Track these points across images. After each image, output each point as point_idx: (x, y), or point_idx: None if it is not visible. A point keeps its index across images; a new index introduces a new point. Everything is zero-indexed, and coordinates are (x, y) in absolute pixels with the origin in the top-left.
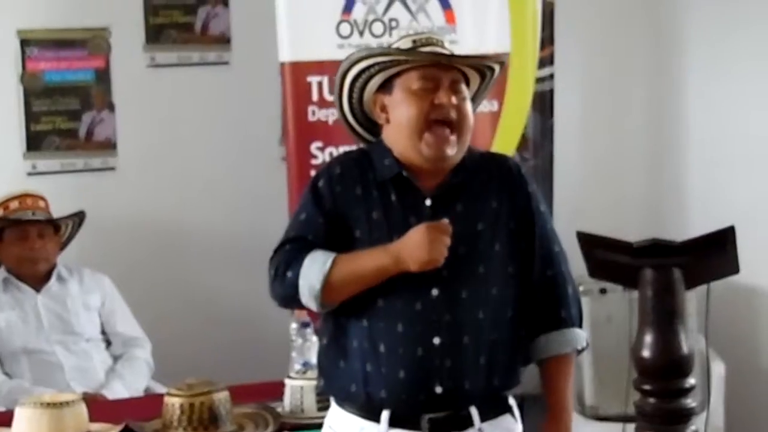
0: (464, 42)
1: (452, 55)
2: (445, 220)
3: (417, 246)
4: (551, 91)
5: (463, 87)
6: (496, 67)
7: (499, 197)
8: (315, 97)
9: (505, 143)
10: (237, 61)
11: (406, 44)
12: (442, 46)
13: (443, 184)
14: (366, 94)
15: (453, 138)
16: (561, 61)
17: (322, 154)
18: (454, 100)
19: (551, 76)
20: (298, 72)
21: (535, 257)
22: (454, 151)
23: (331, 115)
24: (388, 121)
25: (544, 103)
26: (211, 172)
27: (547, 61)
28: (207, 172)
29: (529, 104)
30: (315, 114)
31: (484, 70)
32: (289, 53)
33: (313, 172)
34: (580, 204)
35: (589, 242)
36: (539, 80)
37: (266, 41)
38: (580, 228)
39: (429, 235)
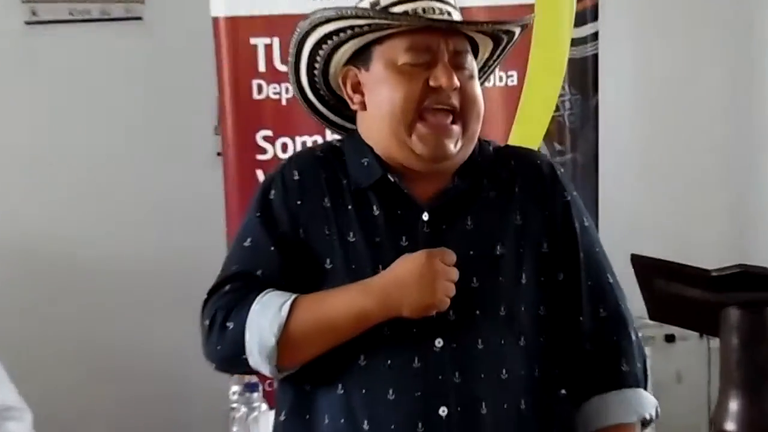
0: None
1: (454, 22)
2: (449, 252)
3: (413, 283)
4: (595, 58)
5: (470, 59)
6: (516, 30)
7: (524, 209)
8: (262, 66)
9: (528, 131)
10: (153, 16)
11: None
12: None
13: (445, 191)
14: (333, 67)
15: (456, 129)
16: (609, 16)
17: (272, 147)
18: (456, 79)
19: (594, 37)
20: (238, 31)
21: (581, 292)
22: (458, 148)
23: (285, 92)
24: (364, 106)
25: (584, 75)
26: (115, 172)
27: (588, 15)
28: (109, 172)
29: (563, 76)
30: (262, 90)
31: (500, 34)
32: (224, 5)
33: (260, 174)
34: (634, 215)
35: (648, 269)
36: (577, 42)
37: None
38: (635, 249)
39: (430, 267)
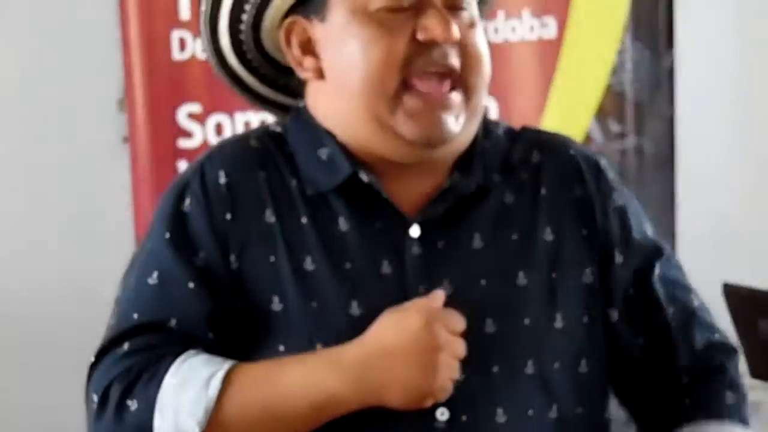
0: None
1: None
2: (455, 316)
3: (403, 359)
4: (669, 5)
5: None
6: None
7: (556, 220)
8: (185, 11)
9: (571, 105)
10: None
11: None
12: None
13: (442, 193)
14: (268, 19)
15: (457, 98)
16: None
17: (201, 129)
18: (455, 28)
19: None
20: None
21: (666, 332)
22: (460, 125)
23: None
24: (320, 73)
25: (653, 22)
26: None
27: None
28: None
29: (623, 24)
30: (186, 47)
31: None
32: None
33: (183, 167)
34: (726, 227)
35: (747, 305)
36: None
37: None
38: (727, 275)
39: (429, 338)
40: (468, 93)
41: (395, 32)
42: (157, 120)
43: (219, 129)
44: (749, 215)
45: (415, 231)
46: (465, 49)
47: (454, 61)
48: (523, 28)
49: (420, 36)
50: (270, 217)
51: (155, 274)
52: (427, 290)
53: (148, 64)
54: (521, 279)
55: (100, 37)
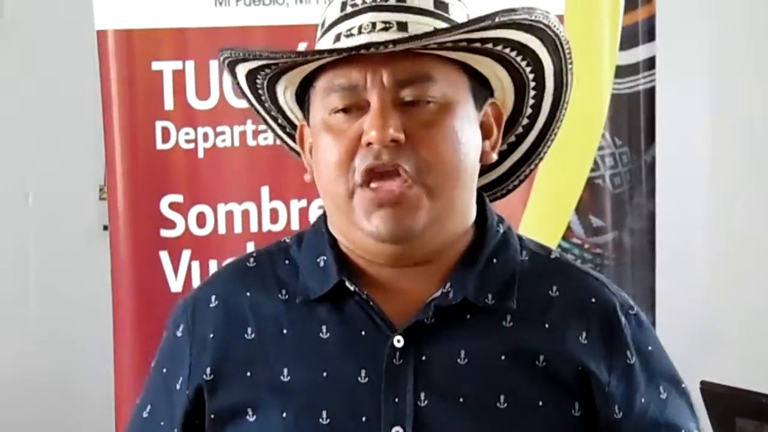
0: None
1: (396, 40)
2: None
3: None
4: (650, 95)
5: (438, 88)
6: (532, 45)
7: (554, 352)
8: (169, 102)
9: (551, 199)
10: (10, 29)
11: (331, 14)
12: (396, 7)
13: (429, 303)
14: (282, 105)
15: (413, 192)
16: (671, 34)
17: (183, 219)
18: (393, 129)
19: (650, 64)
20: (136, 51)
21: None
22: (421, 223)
23: (203, 140)
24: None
25: (634, 119)
26: None
27: (641, 32)
28: None
29: (604, 120)
30: (170, 136)
31: (507, 54)
32: (113, 13)
33: (166, 258)
34: (706, 322)
35: (726, 403)
36: (625, 71)
37: None
38: (706, 372)
39: None
40: (430, 192)
41: (344, 135)
42: (139, 209)
43: (201, 219)
44: (729, 312)
45: (397, 341)
46: (418, 145)
47: (400, 159)
48: None
49: (362, 138)
50: (251, 334)
51: (148, 408)
52: (400, 402)
53: (130, 154)
54: (502, 402)
55: (84, 125)
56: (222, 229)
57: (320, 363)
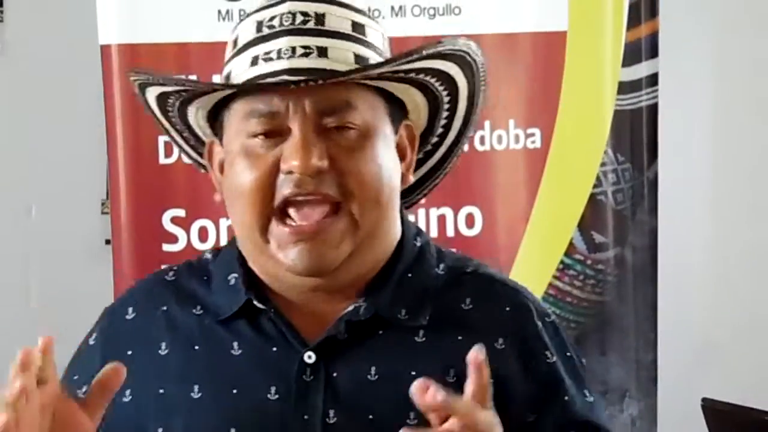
0: (473, 12)
1: (287, 82)
2: None
3: None
4: (653, 111)
5: (359, 115)
6: (455, 75)
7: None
8: None
9: (554, 215)
10: (15, 41)
11: (246, 35)
12: (314, 30)
13: (340, 319)
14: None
15: (338, 224)
16: (674, 49)
17: (185, 234)
18: (319, 156)
19: (653, 81)
20: (139, 65)
21: None
22: (342, 254)
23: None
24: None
25: (637, 135)
26: None
27: (644, 48)
28: None
29: (606, 137)
30: (172, 152)
31: (427, 81)
32: (117, 28)
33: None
34: (708, 340)
35: (726, 421)
36: (627, 88)
37: (74, 5)
38: (707, 390)
39: None
40: (353, 222)
41: (262, 161)
42: (141, 223)
43: (202, 234)
44: (731, 329)
45: (309, 356)
46: (342, 172)
47: (326, 188)
48: (509, 138)
49: (282, 166)
50: (165, 349)
51: None
52: (309, 419)
53: (133, 168)
54: (412, 418)
55: (86, 140)
56: (224, 243)
57: (231, 380)
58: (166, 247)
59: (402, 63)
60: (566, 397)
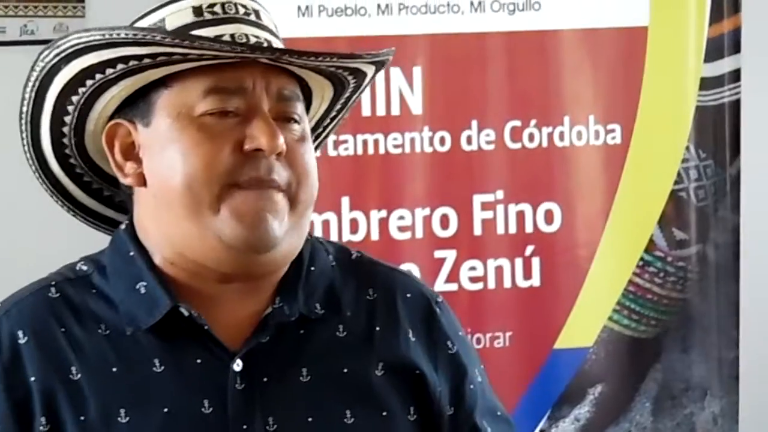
0: (553, 8)
1: (282, 51)
2: None
3: None
4: (735, 107)
5: (301, 109)
6: (369, 72)
7: (389, 357)
8: None
9: (635, 211)
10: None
11: (179, 18)
12: (257, 23)
13: (263, 322)
14: (92, 121)
15: (282, 203)
16: (758, 45)
17: None
18: (281, 140)
19: (735, 77)
20: None
21: None
22: (282, 231)
23: None
24: (141, 180)
25: (719, 132)
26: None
27: (726, 44)
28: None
29: (688, 133)
30: None
31: (343, 78)
32: None
33: None
34: None
35: None
36: (709, 84)
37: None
38: None
39: None
40: (293, 204)
41: (220, 139)
42: None
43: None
44: None
45: (237, 365)
46: (292, 162)
47: (280, 175)
48: (589, 134)
49: (246, 145)
50: (76, 374)
51: None
52: (248, 429)
53: None
54: (349, 417)
55: None
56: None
57: (159, 399)
58: None
59: (358, 60)
60: (471, 386)
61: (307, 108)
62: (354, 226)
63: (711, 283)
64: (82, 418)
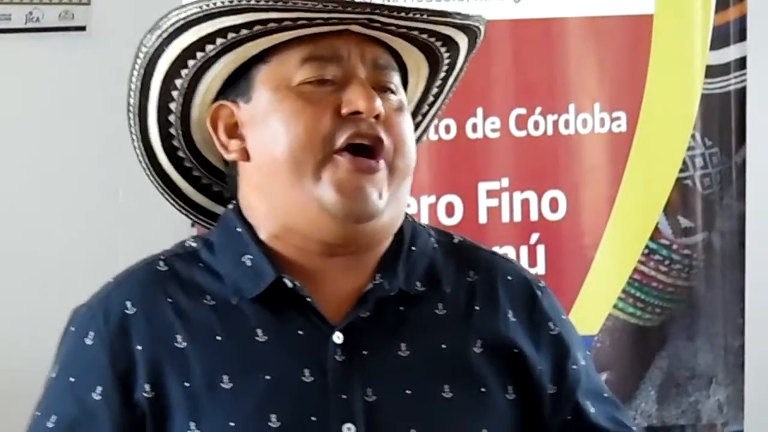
0: None
1: (378, 5)
2: None
3: None
4: (741, 95)
5: (397, 80)
6: (461, 44)
7: (489, 336)
8: None
9: (641, 199)
10: (102, 26)
11: None
12: None
13: (365, 295)
14: (195, 108)
15: (382, 176)
16: (762, 35)
17: None
18: (379, 103)
19: (741, 64)
20: None
21: None
22: (383, 203)
23: None
24: (245, 155)
25: (725, 119)
26: (33, 267)
27: (732, 31)
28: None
29: (693, 121)
30: None
31: (436, 49)
32: None
33: None
34: None
35: None
36: (715, 71)
37: None
38: None
39: None
40: (392, 173)
41: (319, 105)
42: None
43: None
44: None
45: (338, 337)
46: (390, 128)
47: (383, 135)
48: (594, 122)
49: (344, 109)
50: (182, 342)
51: (54, 418)
52: (348, 399)
53: None
54: (447, 391)
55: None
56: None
57: (261, 367)
58: None
59: (448, 22)
60: (574, 366)
61: (405, 87)
62: None
63: (716, 271)
64: (186, 384)
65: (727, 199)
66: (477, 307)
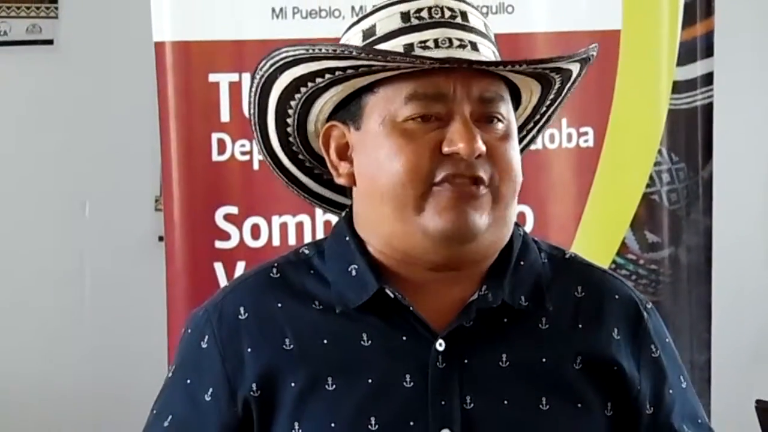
0: (526, 10)
1: (472, 62)
2: None
3: None
4: (708, 111)
5: (505, 109)
6: (573, 69)
7: (590, 353)
8: (225, 114)
9: (607, 214)
10: (69, 39)
11: (388, 24)
12: (462, 26)
13: (469, 305)
14: (312, 123)
15: (484, 198)
16: (729, 49)
17: (238, 231)
18: (481, 141)
19: (708, 80)
20: (193, 63)
21: None
22: (485, 225)
23: (259, 152)
24: (352, 179)
25: (691, 135)
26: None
27: (699, 47)
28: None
29: (660, 136)
30: (225, 148)
31: (548, 73)
32: (171, 25)
33: (221, 270)
34: (764, 340)
35: None
36: (682, 87)
37: (128, 1)
38: (764, 391)
39: None
40: (496, 198)
41: (421, 143)
42: (194, 220)
43: (255, 231)
44: None
45: (440, 345)
46: (494, 159)
47: (481, 172)
48: (561, 136)
49: (445, 148)
50: (290, 345)
51: (170, 418)
52: (447, 405)
53: (186, 165)
54: (544, 404)
55: (140, 137)
56: (276, 241)
57: (364, 370)
58: (219, 245)
59: (558, 61)
60: (671, 390)
61: (519, 99)
62: (328, 227)
63: (683, 286)
64: (292, 384)
65: (693, 215)
66: (581, 324)
